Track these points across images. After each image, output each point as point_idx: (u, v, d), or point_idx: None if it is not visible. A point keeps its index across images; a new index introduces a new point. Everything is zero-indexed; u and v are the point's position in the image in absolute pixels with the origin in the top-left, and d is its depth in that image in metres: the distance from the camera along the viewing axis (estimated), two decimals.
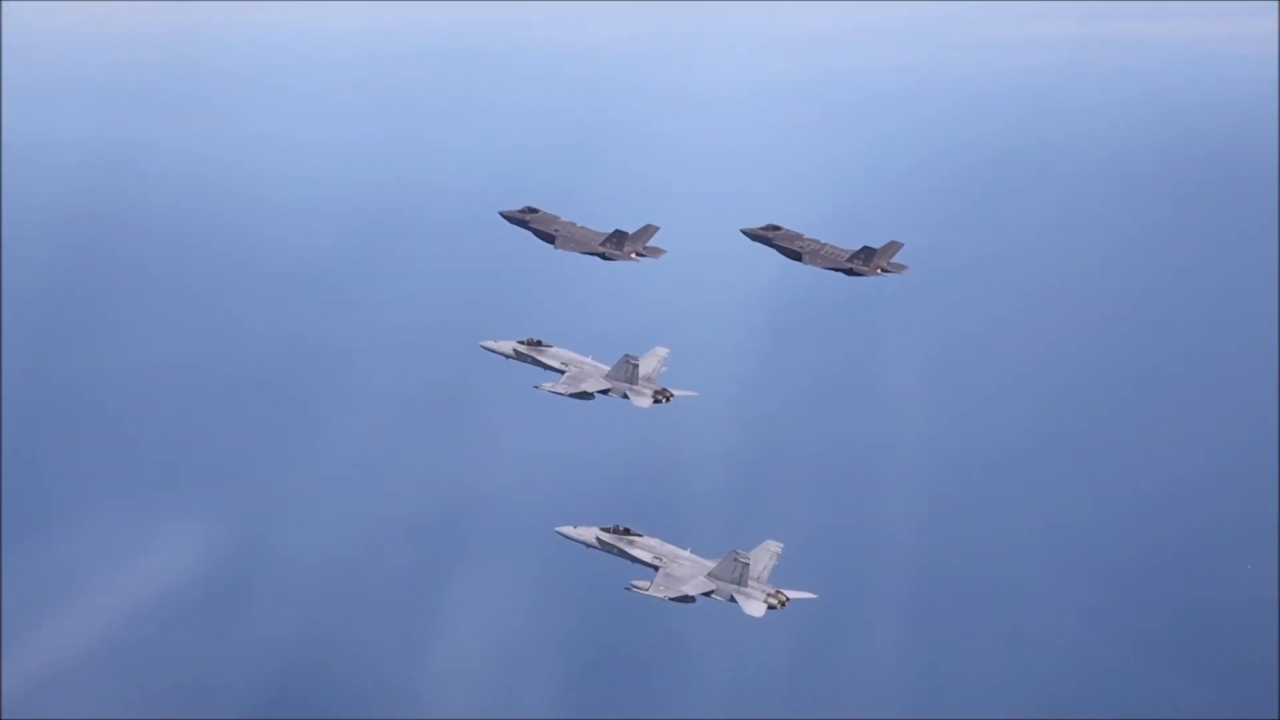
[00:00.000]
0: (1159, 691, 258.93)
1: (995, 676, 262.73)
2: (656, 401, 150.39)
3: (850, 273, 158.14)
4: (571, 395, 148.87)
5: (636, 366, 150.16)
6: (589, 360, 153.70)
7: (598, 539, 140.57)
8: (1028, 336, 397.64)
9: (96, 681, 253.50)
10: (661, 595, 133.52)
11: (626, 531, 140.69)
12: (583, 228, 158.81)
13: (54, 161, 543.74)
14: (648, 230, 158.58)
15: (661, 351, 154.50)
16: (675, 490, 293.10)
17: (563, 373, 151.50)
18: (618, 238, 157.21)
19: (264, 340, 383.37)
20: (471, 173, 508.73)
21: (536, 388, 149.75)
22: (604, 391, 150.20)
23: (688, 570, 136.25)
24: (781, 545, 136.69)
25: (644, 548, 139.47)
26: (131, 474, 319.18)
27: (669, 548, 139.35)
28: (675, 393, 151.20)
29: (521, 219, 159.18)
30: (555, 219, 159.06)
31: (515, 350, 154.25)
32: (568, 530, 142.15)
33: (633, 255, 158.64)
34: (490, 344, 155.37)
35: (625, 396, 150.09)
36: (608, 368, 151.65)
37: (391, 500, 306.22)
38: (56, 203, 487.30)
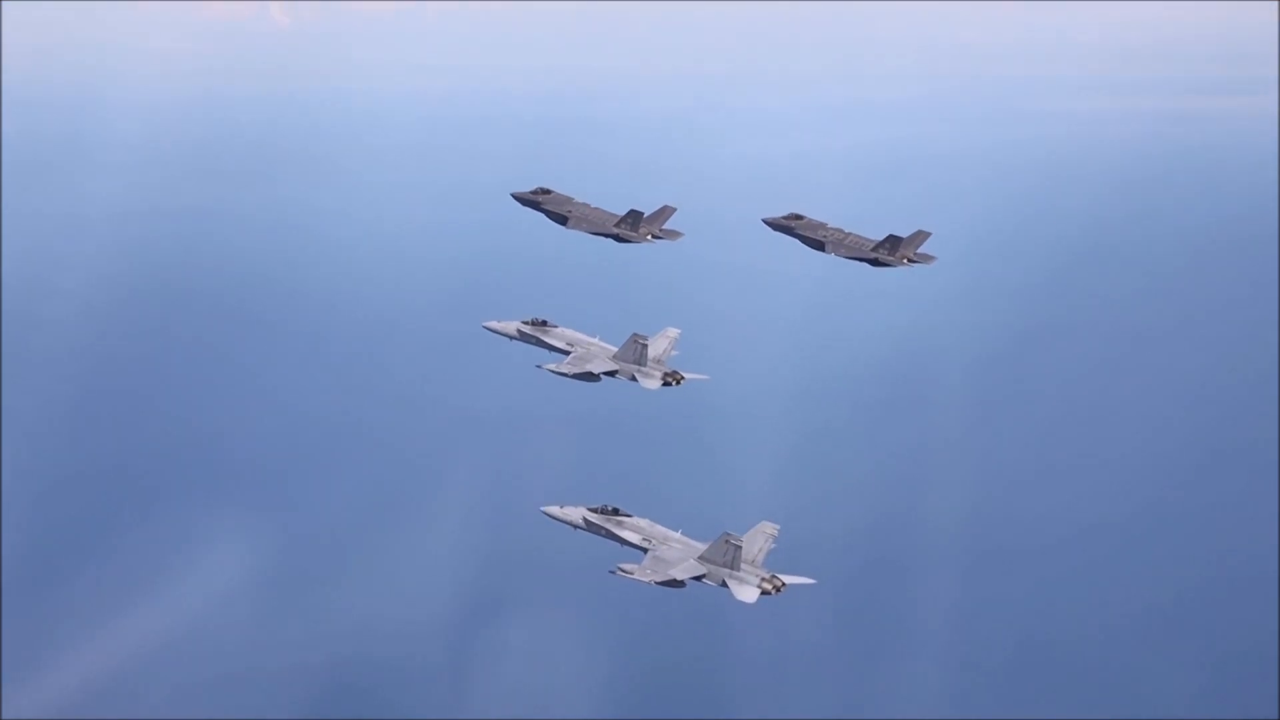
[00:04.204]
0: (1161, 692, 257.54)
1: (1004, 669, 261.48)
2: (666, 384, 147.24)
3: (875, 263, 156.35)
4: (575, 376, 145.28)
5: (646, 347, 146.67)
6: (596, 341, 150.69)
7: (585, 519, 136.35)
8: (1056, 337, 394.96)
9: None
10: (648, 579, 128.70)
11: (615, 512, 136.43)
12: (596, 209, 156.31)
13: (175, 217, 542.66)
14: (665, 212, 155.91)
15: (672, 333, 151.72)
16: (676, 474, 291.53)
17: (568, 353, 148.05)
18: (633, 218, 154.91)
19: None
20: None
21: (539, 368, 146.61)
22: (611, 373, 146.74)
23: (678, 553, 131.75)
24: (777, 527, 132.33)
25: (633, 529, 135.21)
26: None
27: (659, 529, 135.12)
28: (686, 376, 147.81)
29: (534, 200, 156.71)
30: (569, 200, 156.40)
31: (519, 331, 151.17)
32: (554, 510, 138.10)
33: (649, 237, 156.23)
34: (494, 324, 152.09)
35: (633, 378, 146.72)
36: (615, 349, 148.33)
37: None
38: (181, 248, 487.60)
